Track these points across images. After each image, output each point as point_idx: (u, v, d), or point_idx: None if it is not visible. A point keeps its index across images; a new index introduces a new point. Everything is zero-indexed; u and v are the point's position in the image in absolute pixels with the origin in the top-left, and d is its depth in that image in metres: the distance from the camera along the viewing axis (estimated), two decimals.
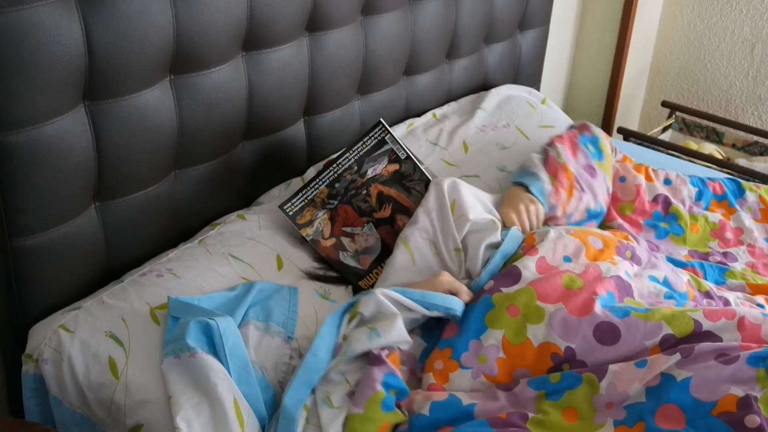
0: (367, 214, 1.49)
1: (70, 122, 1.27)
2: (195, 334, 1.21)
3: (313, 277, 1.46)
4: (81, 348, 1.26)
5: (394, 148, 1.50)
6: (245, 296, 1.32)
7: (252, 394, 1.20)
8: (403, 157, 1.49)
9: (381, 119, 1.51)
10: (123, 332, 1.27)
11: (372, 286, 1.46)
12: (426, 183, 1.49)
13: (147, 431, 1.21)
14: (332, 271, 1.49)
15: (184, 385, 1.18)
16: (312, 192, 1.52)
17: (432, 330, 1.38)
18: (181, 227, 1.56)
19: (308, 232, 1.51)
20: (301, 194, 1.52)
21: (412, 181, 1.49)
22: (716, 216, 1.77)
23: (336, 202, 1.51)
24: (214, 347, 1.21)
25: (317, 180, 1.52)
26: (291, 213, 1.52)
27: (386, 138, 1.50)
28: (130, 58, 1.31)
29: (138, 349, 1.25)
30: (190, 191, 1.55)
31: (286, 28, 1.58)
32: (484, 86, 2.26)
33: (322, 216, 1.51)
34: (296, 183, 1.72)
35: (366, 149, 1.51)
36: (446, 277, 1.37)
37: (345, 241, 1.49)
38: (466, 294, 1.35)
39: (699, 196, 1.83)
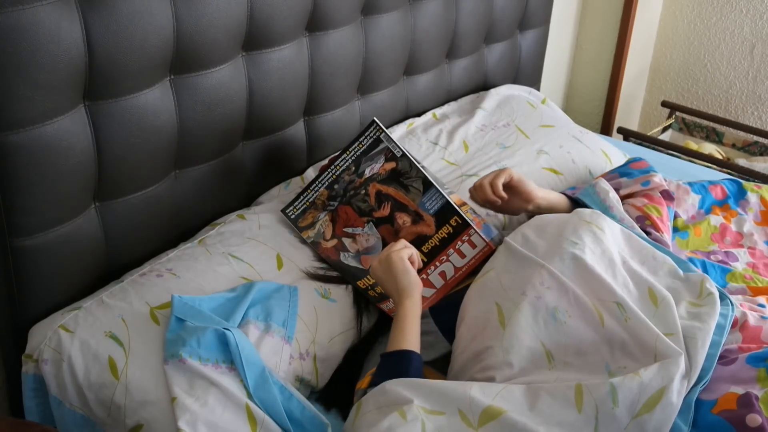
0: (367, 213, 1.49)
1: (70, 122, 1.27)
2: (213, 344, 1.20)
3: (313, 276, 1.45)
4: (81, 348, 1.26)
5: (390, 147, 1.50)
6: (245, 296, 1.32)
7: (270, 400, 1.18)
8: (399, 155, 1.49)
9: (375, 119, 1.51)
10: (123, 332, 1.27)
11: (372, 286, 1.46)
12: (423, 180, 1.48)
13: (147, 431, 1.20)
14: (333, 270, 1.49)
15: (189, 387, 1.18)
16: (312, 195, 1.52)
17: None
18: (181, 227, 1.56)
19: (309, 235, 1.51)
20: (302, 197, 1.52)
21: (409, 178, 1.48)
22: (718, 219, 1.77)
23: (336, 204, 1.51)
24: (229, 355, 1.21)
25: (317, 182, 1.53)
26: (293, 216, 1.52)
27: (381, 137, 1.50)
28: (130, 58, 1.30)
29: (138, 349, 1.25)
30: (190, 191, 1.55)
31: (286, 28, 1.58)
32: (484, 86, 2.26)
33: (323, 218, 1.51)
34: (296, 182, 1.72)
35: (362, 149, 1.51)
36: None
37: (346, 241, 1.49)
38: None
39: (702, 204, 1.80)
